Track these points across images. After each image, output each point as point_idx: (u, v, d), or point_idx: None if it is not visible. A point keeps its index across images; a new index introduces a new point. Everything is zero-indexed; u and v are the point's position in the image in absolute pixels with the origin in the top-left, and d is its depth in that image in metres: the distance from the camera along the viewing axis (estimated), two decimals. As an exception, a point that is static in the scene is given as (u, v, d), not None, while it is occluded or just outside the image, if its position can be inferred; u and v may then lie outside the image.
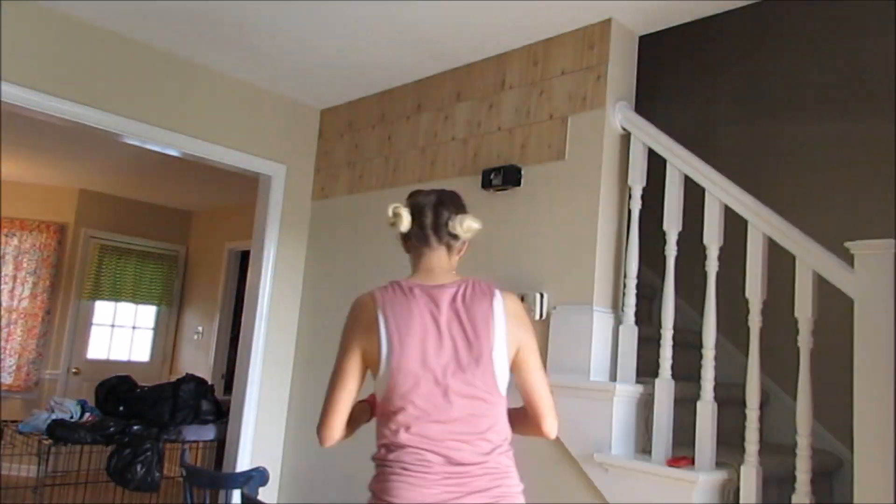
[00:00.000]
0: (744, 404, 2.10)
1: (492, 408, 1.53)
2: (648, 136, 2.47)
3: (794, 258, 2.06)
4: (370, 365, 1.55)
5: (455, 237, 1.64)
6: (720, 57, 3.39)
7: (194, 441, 4.40)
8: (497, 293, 1.60)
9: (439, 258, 1.64)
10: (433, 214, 1.62)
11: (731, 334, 2.92)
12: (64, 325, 6.27)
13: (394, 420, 1.51)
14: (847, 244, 1.89)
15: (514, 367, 1.60)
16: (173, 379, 5.16)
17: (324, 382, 1.59)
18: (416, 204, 1.64)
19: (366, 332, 1.54)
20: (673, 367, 2.30)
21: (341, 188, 3.70)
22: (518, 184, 2.75)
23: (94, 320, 6.51)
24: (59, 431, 4.04)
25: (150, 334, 6.87)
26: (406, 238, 1.66)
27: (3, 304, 6.04)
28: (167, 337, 6.92)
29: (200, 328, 6.64)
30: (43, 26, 2.96)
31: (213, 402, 4.65)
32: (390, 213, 1.63)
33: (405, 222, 1.62)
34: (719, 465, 2.15)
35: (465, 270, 2.95)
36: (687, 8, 2.52)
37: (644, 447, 2.36)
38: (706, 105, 3.38)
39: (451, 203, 1.66)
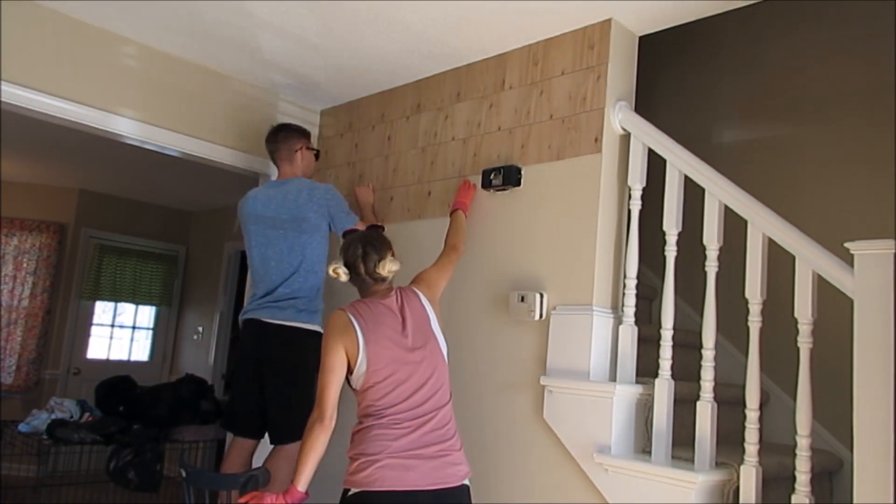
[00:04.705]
0: (744, 404, 2.10)
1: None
2: (648, 136, 2.46)
3: (794, 258, 2.06)
4: None
5: (384, 278, 2.15)
6: (720, 57, 3.38)
7: (194, 441, 4.40)
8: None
9: (378, 286, 2.18)
10: (363, 265, 2.12)
11: (731, 334, 2.92)
12: (64, 325, 6.27)
13: None
14: (847, 244, 1.89)
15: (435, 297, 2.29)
16: (173, 379, 5.17)
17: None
18: (346, 261, 2.16)
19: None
20: (673, 368, 2.30)
21: (341, 188, 3.69)
22: (518, 184, 2.75)
23: (94, 320, 6.51)
24: (59, 431, 4.04)
25: (149, 334, 6.87)
26: (352, 282, 2.19)
27: (3, 304, 6.04)
28: (167, 337, 6.92)
29: (200, 328, 6.63)
30: (43, 26, 2.96)
31: (213, 402, 4.65)
32: (331, 272, 2.14)
33: (344, 277, 2.14)
34: (719, 465, 2.15)
35: (465, 270, 2.95)
36: (687, 8, 2.52)
37: (644, 447, 2.36)
38: (706, 105, 3.38)
39: (373, 251, 2.13)
